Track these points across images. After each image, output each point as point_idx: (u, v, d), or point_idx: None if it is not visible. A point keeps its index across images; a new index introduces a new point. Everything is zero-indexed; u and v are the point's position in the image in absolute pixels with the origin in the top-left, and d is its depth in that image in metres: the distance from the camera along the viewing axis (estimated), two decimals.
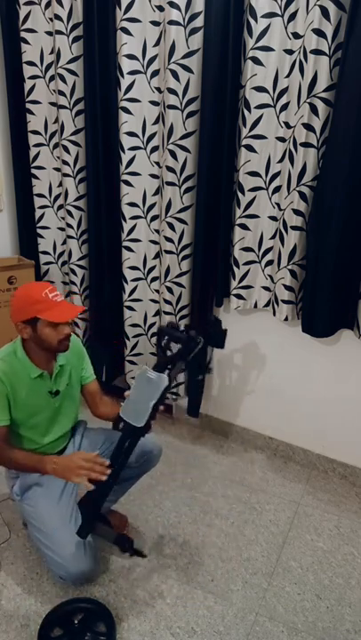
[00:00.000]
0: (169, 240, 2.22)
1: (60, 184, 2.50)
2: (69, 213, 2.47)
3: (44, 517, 1.64)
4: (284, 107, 1.90)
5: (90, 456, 1.51)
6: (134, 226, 2.32)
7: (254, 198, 2.04)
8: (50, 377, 1.68)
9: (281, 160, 1.97)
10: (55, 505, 1.66)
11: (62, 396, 1.73)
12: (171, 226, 2.20)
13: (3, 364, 1.61)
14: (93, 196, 2.41)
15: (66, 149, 2.36)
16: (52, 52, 2.29)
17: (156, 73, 2.07)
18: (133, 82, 2.08)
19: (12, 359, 1.63)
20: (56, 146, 2.46)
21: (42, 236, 2.65)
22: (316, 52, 1.72)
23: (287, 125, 1.91)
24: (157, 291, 2.39)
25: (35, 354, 1.64)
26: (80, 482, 1.47)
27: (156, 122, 2.15)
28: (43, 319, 1.54)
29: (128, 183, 2.24)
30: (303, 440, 2.39)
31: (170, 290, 2.31)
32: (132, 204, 2.28)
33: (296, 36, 1.79)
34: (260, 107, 1.90)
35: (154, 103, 2.12)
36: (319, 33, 1.70)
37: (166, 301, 2.34)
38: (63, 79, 2.25)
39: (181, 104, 2.00)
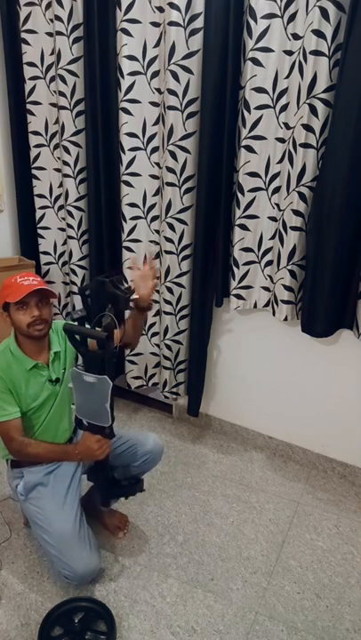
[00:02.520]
0: (169, 240, 2.23)
1: (61, 185, 2.51)
2: (70, 214, 2.48)
3: (50, 519, 1.65)
4: (284, 107, 1.91)
5: (96, 437, 1.58)
6: (134, 226, 2.32)
7: (254, 199, 2.05)
8: (46, 366, 1.69)
9: (281, 161, 1.98)
10: (61, 506, 1.67)
11: (64, 383, 1.73)
12: (171, 226, 2.20)
13: None
14: (94, 197, 2.42)
15: (66, 150, 2.37)
16: (52, 53, 2.29)
17: (156, 74, 2.08)
18: (133, 83, 2.08)
19: (5, 354, 1.64)
20: (56, 146, 2.46)
21: (42, 237, 2.66)
22: (316, 52, 1.72)
23: (287, 126, 1.92)
24: (157, 291, 2.39)
25: (25, 345, 1.65)
26: (103, 457, 1.60)
27: (157, 123, 2.15)
28: (10, 303, 1.58)
29: (128, 184, 2.24)
30: (303, 439, 2.39)
31: (170, 290, 2.32)
32: (133, 205, 2.28)
33: (296, 36, 1.80)
34: (259, 107, 1.91)
35: (154, 104, 2.12)
36: (319, 34, 1.70)
37: (166, 301, 2.34)
38: (64, 80, 2.25)
39: (181, 105, 2.01)
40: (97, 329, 1.45)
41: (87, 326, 1.50)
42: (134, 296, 1.65)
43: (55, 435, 1.75)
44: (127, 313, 1.63)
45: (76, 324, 1.49)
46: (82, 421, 1.59)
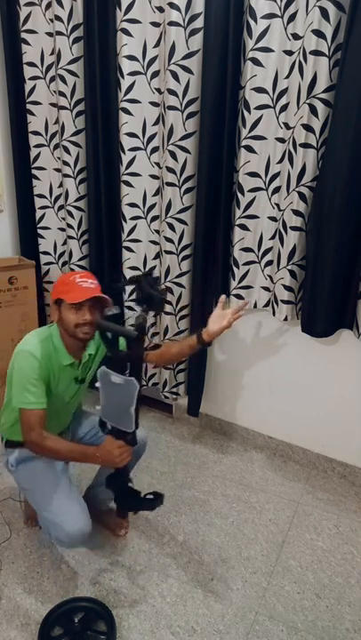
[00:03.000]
0: (169, 240, 2.23)
1: (61, 185, 2.51)
2: (70, 214, 2.48)
3: (43, 481, 1.67)
4: (284, 107, 1.91)
5: (119, 443, 1.56)
6: (134, 226, 2.32)
7: (254, 199, 2.05)
8: (78, 365, 1.70)
9: (280, 161, 1.98)
10: (53, 470, 1.69)
11: (85, 384, 1.75)
12: (171, 226, 2.20)
13: (42, 347, 1.60)
14: (94, 197, 2.42)
15: (66, 150, 2.37)
16: (52, 53, 2.29)
17: (156, 74, 2.08)
18: (133, 83, 2.08)
19: (48, 344, 1.63)
20: (56, 146, 2.46)
21: (42, 237, 2.66)
22: (316, 52, 1.72)
23: (287, 126, 1.92)
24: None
25: (67, 341, 1.65)
26: (122, 465, 1.58)
27: (157, 123, 2.15)
28: (64, 300, 1.58)
29: (128, 184, 2.24)
30: (303, 439, 2.39)
31: (170, 289, 2.32)
32: (133, 205, 2.28)
33: (296, 36, 1.80)
34: (259, 107, 1.91)
35: (154, 104, 2.12)
36: (319, 34, 1.70)
37: (166, 301, 2.34)
38: (64, 80, 2.25)
39: (181, 105, 2.01)
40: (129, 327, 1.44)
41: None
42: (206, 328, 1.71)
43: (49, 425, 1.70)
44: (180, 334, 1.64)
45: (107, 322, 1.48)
46: (105, 424, 1.55)
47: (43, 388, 1.60)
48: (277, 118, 1.93)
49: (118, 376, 1.42)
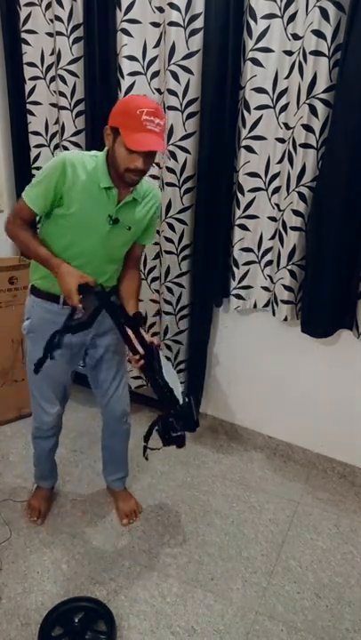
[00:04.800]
0: (169, 240, 2.23)
1: None
2: None
3: (35, 358, 1.70)
4: (284, 108, 1.91)
5: (80, 274, 1.51)
6: None
7: (254, 199, 2.05)
8: (117, 199, 1.55)
9: (280, 161, 1.98)
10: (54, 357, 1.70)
11: (117, 231, 1.59)
12: (171, 226, 2.20)
13: (76, 158, 1.50)
14: None
15: (66, 150, 2.37)
16: (52, 54, 2.29)
17: (156, 74, 2.08)
18: (134, 83, 2.08)
19: (88, 160, 1.52)
20: (57, 147, 2.46)
21: None
22: (316, 53, 1.72)
23: (287, 126, 1.92)
24: (157, 291, 2.39)
25: (112, 170, 1.51)
26: (71, 302, 1.51)
27: None
28: (122, 135, 1.41)
29: None
30: (302, 439, 2.39)
31: (170, 290, 2.32)
32: None
33: (296, 37, 1.80)
34: (259, 108, 1.91)
35: None
36: (319, 34, 1.70)
37: (166, 301, 2.34)
38: (64, 80, 2.25)
39: (181, 105, 2.01)
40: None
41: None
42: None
43: (90, 271, 1.59)
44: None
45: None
46: (166, 387, 1.58)
47: (50, 199, 1.51)
48: (277, 118, 1.93)
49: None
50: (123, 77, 2.08)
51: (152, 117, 1.39)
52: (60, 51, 2.22)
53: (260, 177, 2.02)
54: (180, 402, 1.56)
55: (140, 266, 1.84)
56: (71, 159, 1.49)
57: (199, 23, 1.91)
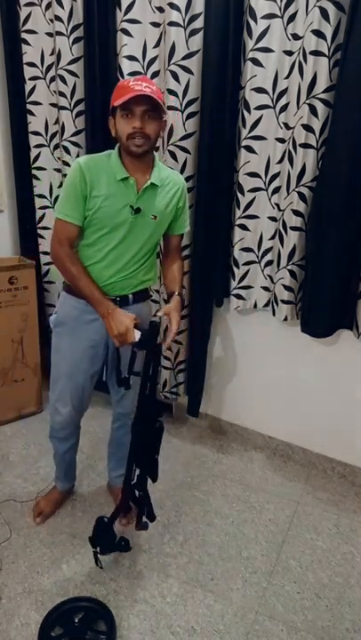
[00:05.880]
0: None
1: (61, 185, 2.51)
2: None
3: (61, 361, 1.76)
4: (284, 108, 1.91)
5: (132, 317, 1.57)
6: None
7: (254, 199, 2.05)
8: (136, 188, 1.56)
9: (280, 161, 1.98)
10: (76, 355, 1.73)
11: (142, 221, 1.59)
12: None
13: (93, 158, 1.56)
14: None
15: (66, 150, 2.37)
16: (52, 54, 2.29)
17: (156, 74, 2.08)
18: None
19: (102, 157, 1.57)
20: (57, 147, 2.46)
21: (42, 237, 2.66)
22: (316, 53, 1.72)
23: (287, 126, 1.92)
24: (158, 291, 2.39)
25: (126, 159, 1.55)
26: (116, 344, 1.59)
27: None
28: (117, 108, 1.46)
29: None
30: (302, 439, 2.39)
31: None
32: None
33: (296, 37, 1.80)
34: (259, 108, 1.91)
35: None
36: (319, 34, 1.70)
37: (166, 301, 2.34)
38: (64, 80, 2.25)
39: (181, 105, 2.01)
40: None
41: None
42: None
43: (122, 265, 1.65)
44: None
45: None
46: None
47: (81, 207, 1.54)
48: (277, 118, 1.93)
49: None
50: (123, 77, 2.08)
51: (140, 82, 1.44)
52: (60, 51, 2.22)
53: (261, 177, 2.02)
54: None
55: (180, 254, 1.86)
56: (85, 162, 1.55)
57: (199, 23, 1.91)
